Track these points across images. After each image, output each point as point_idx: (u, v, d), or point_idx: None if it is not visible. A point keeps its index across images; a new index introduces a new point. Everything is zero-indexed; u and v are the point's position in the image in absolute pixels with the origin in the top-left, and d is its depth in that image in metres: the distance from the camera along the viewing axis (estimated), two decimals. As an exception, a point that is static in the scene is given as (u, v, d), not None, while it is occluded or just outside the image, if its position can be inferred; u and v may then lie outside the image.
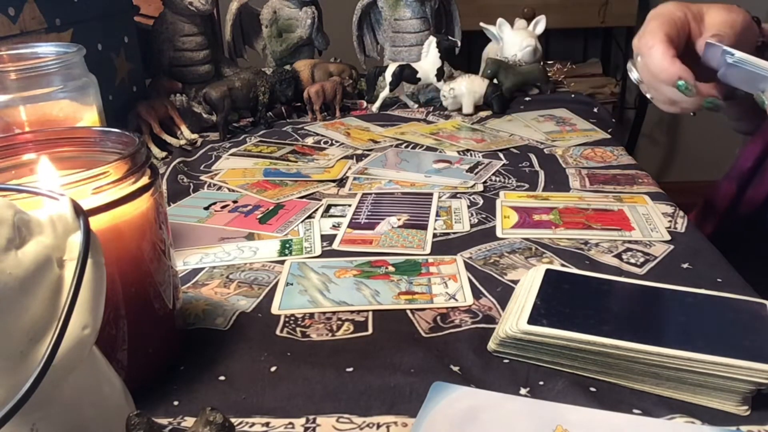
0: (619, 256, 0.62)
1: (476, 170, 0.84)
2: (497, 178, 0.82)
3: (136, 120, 0.95)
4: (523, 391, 0.45)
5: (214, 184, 0.83)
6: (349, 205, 0.75)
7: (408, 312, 0.54)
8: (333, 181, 0.83)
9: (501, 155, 0.90)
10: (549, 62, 1.41)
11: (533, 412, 0.42)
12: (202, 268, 0.62)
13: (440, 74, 1.11)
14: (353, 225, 0.70)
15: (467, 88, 1.08)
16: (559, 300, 0.49)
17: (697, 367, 0.42)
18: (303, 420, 0.42)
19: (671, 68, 0.56)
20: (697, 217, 0.85)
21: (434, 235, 0.67)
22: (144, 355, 0.45)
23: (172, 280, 0.48)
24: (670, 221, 0.69)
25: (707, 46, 0.58)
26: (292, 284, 0.58)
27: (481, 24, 1.22)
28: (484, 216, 0.72)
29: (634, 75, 0.62)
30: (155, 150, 0.93)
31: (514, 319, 0.47)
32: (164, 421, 0.42)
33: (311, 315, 0.54)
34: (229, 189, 0.82)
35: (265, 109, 1.07)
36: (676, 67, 0.56)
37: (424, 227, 0.69)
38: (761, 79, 0.54)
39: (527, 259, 0.62)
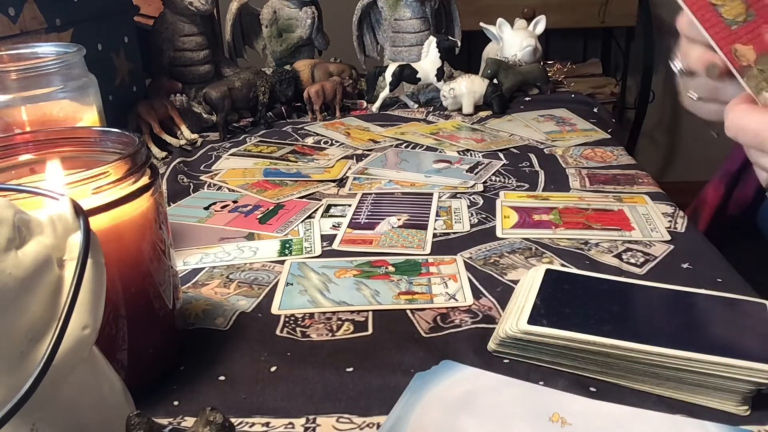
0: (619, 256, 0.62)
1: (476, 170, 0.84)
2: (497, 178, 0.82)
3: (136, 120, 0.95)
4: (523, 391, 0.45)
5: (214, 184, 0.83)
6: (349, 205, 0.75)
7: (408, 312, 0.54)
8: (333, 181, 0.83)
9: (501, 155, 0.90)
10: (549, 62, 1.42)
11: (531, 398, 0.43)
12: (202, 268, 0.62)
13: (440, 74, 1.11)
14: (353, 225, 0.70)
15: (467, 88, 1.08)
16: (559, 300, 0.49)
17: (697, 367, 0.42)
18: (303, 420, 0.42)
19: None
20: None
21: (434, 235, 0.67)
22: (144, 355, 0.45)
23: (172, 280, 0.48)
24: (670, 221, 0.69)
25: None
26: (292, 284, 0.58)
27: (481, 24, 1.22)
28: (484, 216, 0.72)
29: (677, 66, 0.61)
30: (155, 150, 0.93)
31: (514, 319, 0.47)
32: (164, 421, 0.42)
33: (311, 315, 0.54)
34: (229, 189, 0.82)
35: (265, 109, 1.07)
36: None
37: (424, 227, 0.69)
38: None
39: (527, 259, 0.62)
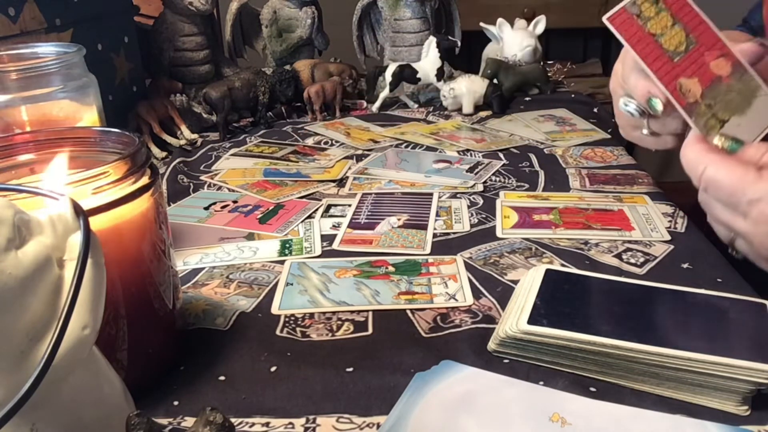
0: (619, 256, 0.62)
1: (476, 170, 0.84)
2: (497, 178, 0.82)
3: (136, 120, 0.95)
4: (523, 391, 0.45)
5: (214, 184, 0.83)
6: (349, 205, 0.75)
7: (408, 312, 0.54)
8: (333, 181, 0.83)
9: (501, 155, 0.90)
10: (549, 62, 1.42)
11: (531, 398, 0.43)
12: (202, 268, 0.62)
13: (440, 74, 1.11)
14: (353, 225, 0.70)
15: (467, 88, 1.08)
16: (559, 300, 0.49)
17: (697, 367, 0.42)
18: (303, 420, 0.42)
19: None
20: None
21: (434, 235, 0.67)
22: (144, 355, 0.45)
23: (172, 280, 0.48)
24: (670, 221, 0.69)
25: None
26: (292, 284, 0.58)
27: (481, 24, 1.22)
28: (484, 216, 0.72)
29: (632, 107, 0.55)
30: (155, 150, 0.93)
31: (514, 319, 0.47)
32: (164, 421, 0.42)
33: (311, 315, 0.54)
34: (229, 189, 0.82)
35: (265, 109, 1.07)
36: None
37: (424, 227, 0.69)
38: None
39: (527, 259, 0.62)
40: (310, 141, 0.99)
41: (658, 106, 0.54)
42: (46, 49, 0.65)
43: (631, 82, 0.55)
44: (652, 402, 0.43)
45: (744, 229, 0.45)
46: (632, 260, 0.61)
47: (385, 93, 1.12)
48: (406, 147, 0.95)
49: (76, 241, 0.32)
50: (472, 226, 0.69)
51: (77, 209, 0.33)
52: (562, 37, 2.35)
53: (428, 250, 0.64)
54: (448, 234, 0.68)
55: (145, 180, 0.44)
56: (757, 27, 0.89)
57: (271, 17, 1.20)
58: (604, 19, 0.57)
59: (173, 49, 1.09)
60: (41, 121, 0.61)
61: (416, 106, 1.16)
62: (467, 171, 0.84)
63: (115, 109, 0.93)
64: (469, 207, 0.74)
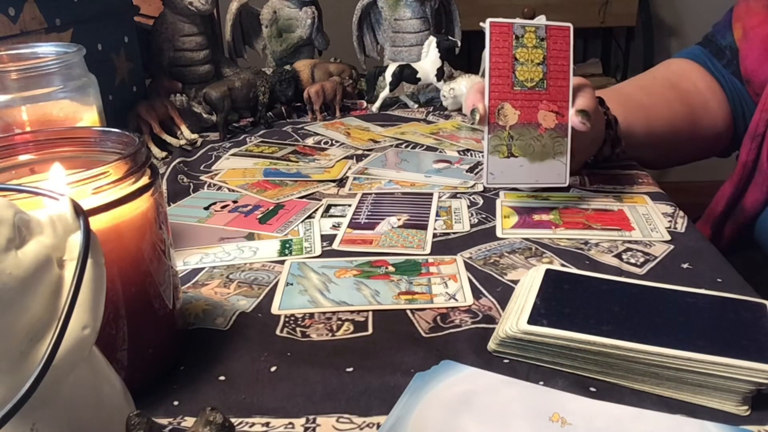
0: (619, 256, 0.62)
1: (476, 170, 0.84)
2: (497, 178, 0.82)
3: (136, 120, 0.95)
4: (523, 391, 0.45)
5: (214, 184, 0.83)
6: (349, 205, 0.75)
7: (408, 312, 0.54)
8: (333, 181, 0.83)
9: (501, 155, 0.90)
10: (549, 62, 1.41)
11: (531, 398, 0.43)
12: (202, 268, 0.62)
13: (440, 74, 1.11)
14: (353, 225, 0.70)
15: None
16: (559, 300, 0.49)
17: (697, 367, 0.42)
18: (303, 420, 0.43)
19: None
20: None
21: (434, 235, 0.67)
22: (144, 355, 0.45)
23: (172, 280, 0.48)
24: (670, 221, 0.69)
25: None
26: (292, 284, 0.58)
27: (481, 24, 1.22)
28: (484, 216, 0.72)
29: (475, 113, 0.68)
30: (155, 150, 0.93)
31: (514, 319, 0.47)
32: (164, 421, 0.42)
33: (311, 315, 0.54)
34: (229, 189, 0.82)
35: (265, 109, 1.07)
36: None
37: (424, 227, 0.69)
38: None
39: (527, 259, 0.62)
40: (310, 141, 0.99)
41: (476, 116, 0.66)
42: (46, 49, 0.65)
43: (471, 92, 0.67)
44: (652, 402, 0.43)
45: None
46: (632, 260, 0.61)
47: (385, 93, 1.12)
48: (406, 147, 0.95)
49: (76, 241, 0.32)
50: (472, 226, 0.69)
51: (77, 209, 0.33)
52: (562, 37, 2.35)
53: (428, 250, 0.64)
54: (448, 234, 0.68)
55: (145, 180, 0.44)
56: (726, 46, 0.91)
57: (271, 17, 1.20)
58: (488, 20, 0.64)
59: (173, 49, 1.09)
60: (41, 121, 0.61)
61: (416, 106, 1.16)
62: (467, 171, 0.84)
63: (115, 109, 0.93)
64: (469, 207, 0.74)
